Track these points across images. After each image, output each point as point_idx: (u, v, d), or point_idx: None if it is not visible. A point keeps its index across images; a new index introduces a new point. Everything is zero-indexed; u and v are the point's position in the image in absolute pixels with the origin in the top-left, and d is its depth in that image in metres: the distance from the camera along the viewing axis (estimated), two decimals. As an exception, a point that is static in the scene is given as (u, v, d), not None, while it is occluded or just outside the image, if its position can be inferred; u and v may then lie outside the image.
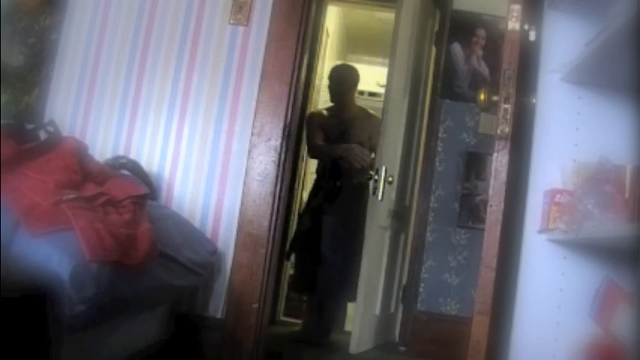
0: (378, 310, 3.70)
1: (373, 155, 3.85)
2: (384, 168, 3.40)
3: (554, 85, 2.09)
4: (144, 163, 2.67)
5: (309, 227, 3.85)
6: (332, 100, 4.06)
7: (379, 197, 3.39)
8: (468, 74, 4.07)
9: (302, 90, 2.98)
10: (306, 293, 4.10)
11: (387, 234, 3.74)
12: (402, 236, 4.06)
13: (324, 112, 4.11)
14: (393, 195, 3.72)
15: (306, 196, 4.36)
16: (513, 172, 2.14)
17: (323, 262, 3.78)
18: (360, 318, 3.40)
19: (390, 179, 3.47)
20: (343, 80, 4.00)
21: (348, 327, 4.18)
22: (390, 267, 3.84)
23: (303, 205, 4.23)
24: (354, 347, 3.35)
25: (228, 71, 2.73)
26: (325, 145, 3.93)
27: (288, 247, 3.99)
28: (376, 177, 3.39)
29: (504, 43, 2.21)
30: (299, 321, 4.19)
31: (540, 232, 2.02)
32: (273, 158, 2.64)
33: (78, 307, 1.53)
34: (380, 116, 3.95)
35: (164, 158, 2.72)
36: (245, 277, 2.60)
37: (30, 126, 2.06)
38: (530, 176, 2.09)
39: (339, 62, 4.86)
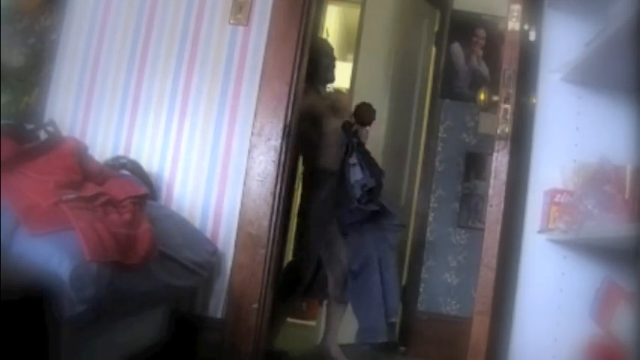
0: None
1: None
2: None
3: (554, 85, 2.09)
4: (144, 163, 2.67)
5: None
6: (314, 75, 3.35)
7: None
8: (468, 74, 4.07)
9: (302, 90, 2.97)
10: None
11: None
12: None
13: None
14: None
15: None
16: (513, 172, 2.14)
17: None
18: None
19: None
20: (328, 53, 3.52)
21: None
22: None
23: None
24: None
25: (228, 71, 2.72)
26: None
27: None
28: None
29: (504, 43, 2.21)
30: (299, 321, 4.17)
31: (540, 232, 2.02)
32: (273, 158, 2.63)
33: (78, 307, 1.52)
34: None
35: (164, 158, 2.72)
36: (245, 278, 2.59)
37: (30, 126, 2.05)
38: (530, 176, 2.10)
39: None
